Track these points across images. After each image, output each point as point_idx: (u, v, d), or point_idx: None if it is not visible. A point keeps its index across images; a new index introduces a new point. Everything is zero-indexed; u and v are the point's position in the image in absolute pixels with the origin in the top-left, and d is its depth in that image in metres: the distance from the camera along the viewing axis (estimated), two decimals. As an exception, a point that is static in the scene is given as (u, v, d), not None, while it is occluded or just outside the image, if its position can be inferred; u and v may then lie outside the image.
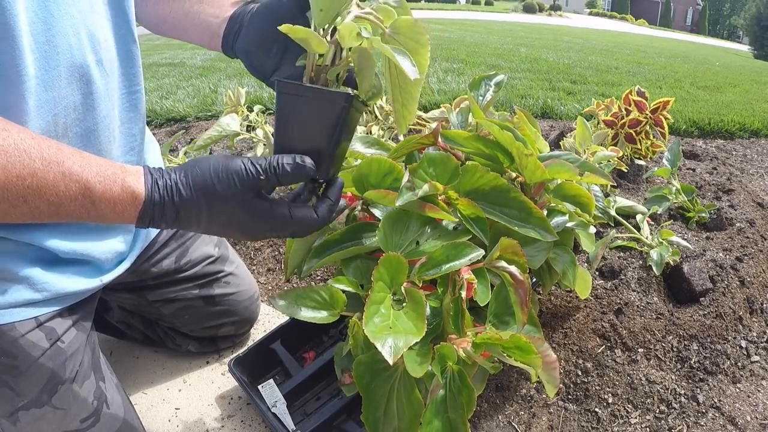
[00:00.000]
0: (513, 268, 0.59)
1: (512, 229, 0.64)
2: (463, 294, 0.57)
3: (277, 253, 1.25)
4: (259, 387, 0.79)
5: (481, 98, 0.79)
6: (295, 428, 0.75)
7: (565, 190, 0.73)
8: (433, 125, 0.72)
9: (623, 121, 1.30)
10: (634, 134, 1.29)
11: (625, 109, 1.31)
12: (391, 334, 0.53)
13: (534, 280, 0.82)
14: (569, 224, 0.74)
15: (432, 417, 0.55)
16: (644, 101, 1.29)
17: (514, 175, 0.72)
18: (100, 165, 0.50)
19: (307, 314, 0.62)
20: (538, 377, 0.55)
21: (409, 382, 0.57)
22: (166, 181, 0.51)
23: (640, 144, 1.30)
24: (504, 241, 0.60)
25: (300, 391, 0.82)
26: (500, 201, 0.65)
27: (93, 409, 0.67)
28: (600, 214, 1.00)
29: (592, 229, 0.80)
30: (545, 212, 0.69)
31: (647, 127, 1.29)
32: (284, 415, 0.76)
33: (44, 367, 0.62)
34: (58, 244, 0.63)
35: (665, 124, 1.25)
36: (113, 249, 0.70)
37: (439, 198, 0.65)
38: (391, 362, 0.51)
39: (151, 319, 0.94)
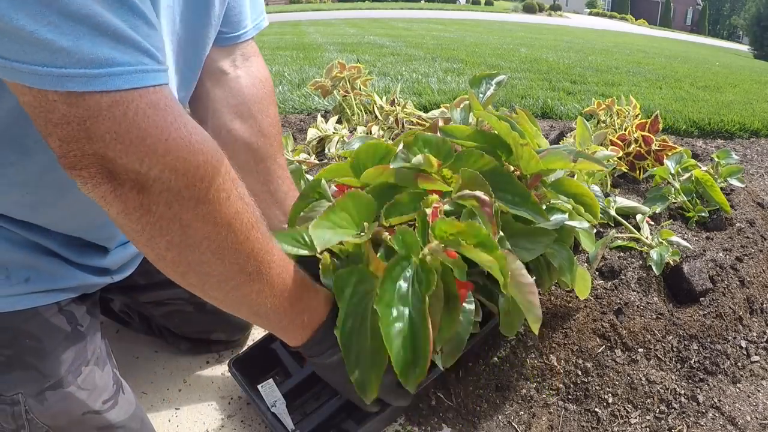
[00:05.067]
0: (477, 192, 0.60)
1: (507, 214, 0.64)
2: (429, 212, 0.58)
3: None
4: (259, 387, 0.79)
5: (481, 95, 0.79)
6: (294, 428, 0.75)
7: (565, 187, 0.73)
8: (434, 124, 0.72)
9: (629, 150, 1.37)
10: (635, 163, 1.39)
11: (634, 139, 1.35)
12: (327, 229, 0.55)
13: (533, 278, 0.82)
14: (569, 223, 0.74)
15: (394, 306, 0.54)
16: (652, 136, 1.35)
17: (512, 168, 0.73)
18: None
19: (288, 249, 0.64)
20: (524, 324, 0.55)
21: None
22: None
23: (639, 173, 1.39)
24: (466, 173, 0.61)
25: (300, 390, 0.82)
26: (498, 185, 0.66)
27: (113, 391, 0.69)
28: (600, 214, 1.00)
29: (592, 229, 0.80)
30: (543, 207, 0.70)
31: (647, 162, 1.37)
32: (284, 414, 0.76)
33: (69, 348, 0.65)
34: (68, 254, 0.66)
35: (665, 161, 1.31)
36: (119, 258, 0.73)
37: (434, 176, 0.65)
38: (319, 250, 0.54)
39: (147, 316, 0.94)
